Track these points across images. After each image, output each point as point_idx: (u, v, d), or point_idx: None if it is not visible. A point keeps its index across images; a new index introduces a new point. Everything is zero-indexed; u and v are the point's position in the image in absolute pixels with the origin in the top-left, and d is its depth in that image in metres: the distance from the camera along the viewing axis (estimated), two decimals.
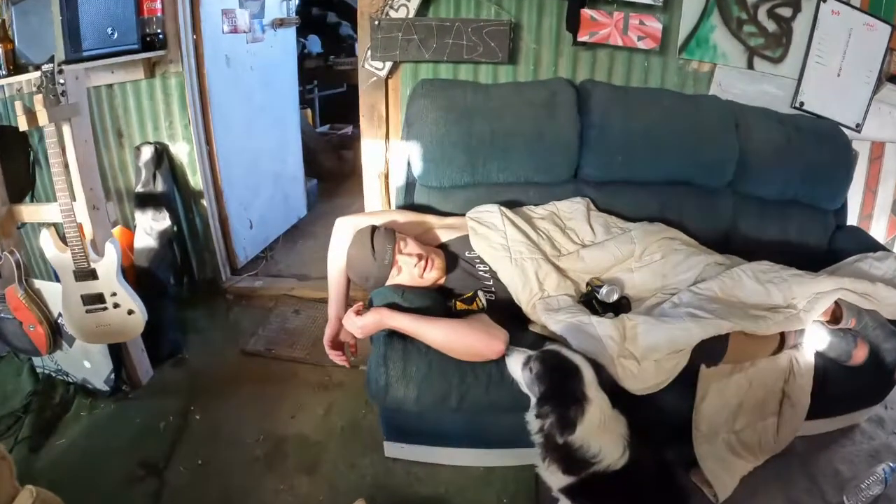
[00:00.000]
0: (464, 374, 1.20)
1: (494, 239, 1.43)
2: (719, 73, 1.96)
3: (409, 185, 1.77)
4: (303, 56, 3.93)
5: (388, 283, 1.37)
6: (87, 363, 1.75)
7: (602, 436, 1.06)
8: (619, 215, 1.68)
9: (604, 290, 1.34)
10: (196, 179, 2.19)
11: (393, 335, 1.24)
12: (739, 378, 1.37)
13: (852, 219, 2.07)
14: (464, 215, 1.57)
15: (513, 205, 1.63)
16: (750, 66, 1.97)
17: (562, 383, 1.01)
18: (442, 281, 1.43)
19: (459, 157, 1.64)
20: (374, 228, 1.36)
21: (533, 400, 1.09)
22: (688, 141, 1.72)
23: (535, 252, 1.42)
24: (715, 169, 1.77)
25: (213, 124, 2.21)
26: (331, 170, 3.73)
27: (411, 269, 1.34)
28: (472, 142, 1.64)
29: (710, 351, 1.25)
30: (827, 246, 1.90)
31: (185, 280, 2.29)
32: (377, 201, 2.15)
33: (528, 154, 1.66)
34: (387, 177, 2.13)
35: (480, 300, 1.29)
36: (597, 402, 1.04)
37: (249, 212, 2.56)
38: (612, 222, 1.61)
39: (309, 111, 4.00)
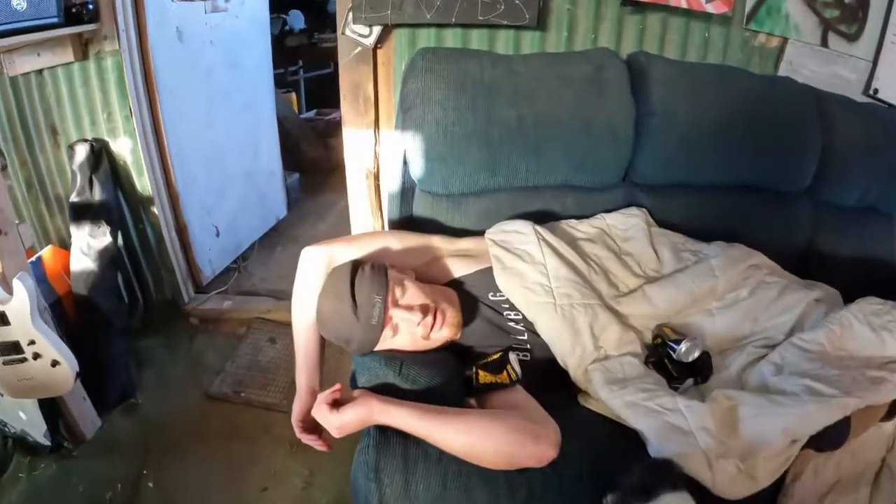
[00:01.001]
0: (496, 490, 0.82)
1: (530, 276, 1.02)
2: (790, 50, 1.61)
3: (406, 191, 1.35)
4: (283, 33, 3.54)
5: (379, 346, 0.94)
6: (23, 414, 1.46)
7: None
8: (677, 230, 1.30)
9: (682, 348, 0.97)
10: (143, 182, 1.80)
11: (387, 430, 0.84)
12: (841, 453, 1.06)
13: None
14: (482, 234, 1.15)
15: (546, 217, 1.25)
16: (824, 42, 1.63)
17: None
18: (456, 337, 1.00)
19: (475, 152, 1.24)
20: (355, 267, 0.93)
21: None
22: (766, 134, 1.34)
23: (589, 294, 1.02)
24: (794, 169, 1.41)
25: (162, 113, 1.80)
26: (316, 161, 3.34)
27: (412, 329, 0.92)
28: (492, 132, 1.23)
29: (832, 437, 0.91)
30: None
31: (139, 304, 1.92)
32: (365, 209, 1.76)
33: (567, 149, 1.27)
34: (376, 177, 1.74)
35: (513, 368, 0.90)
36: None
37: (214, 217, 2.16)
38: (680, 244, 1.22)
39: (293, 95, 3.61)
